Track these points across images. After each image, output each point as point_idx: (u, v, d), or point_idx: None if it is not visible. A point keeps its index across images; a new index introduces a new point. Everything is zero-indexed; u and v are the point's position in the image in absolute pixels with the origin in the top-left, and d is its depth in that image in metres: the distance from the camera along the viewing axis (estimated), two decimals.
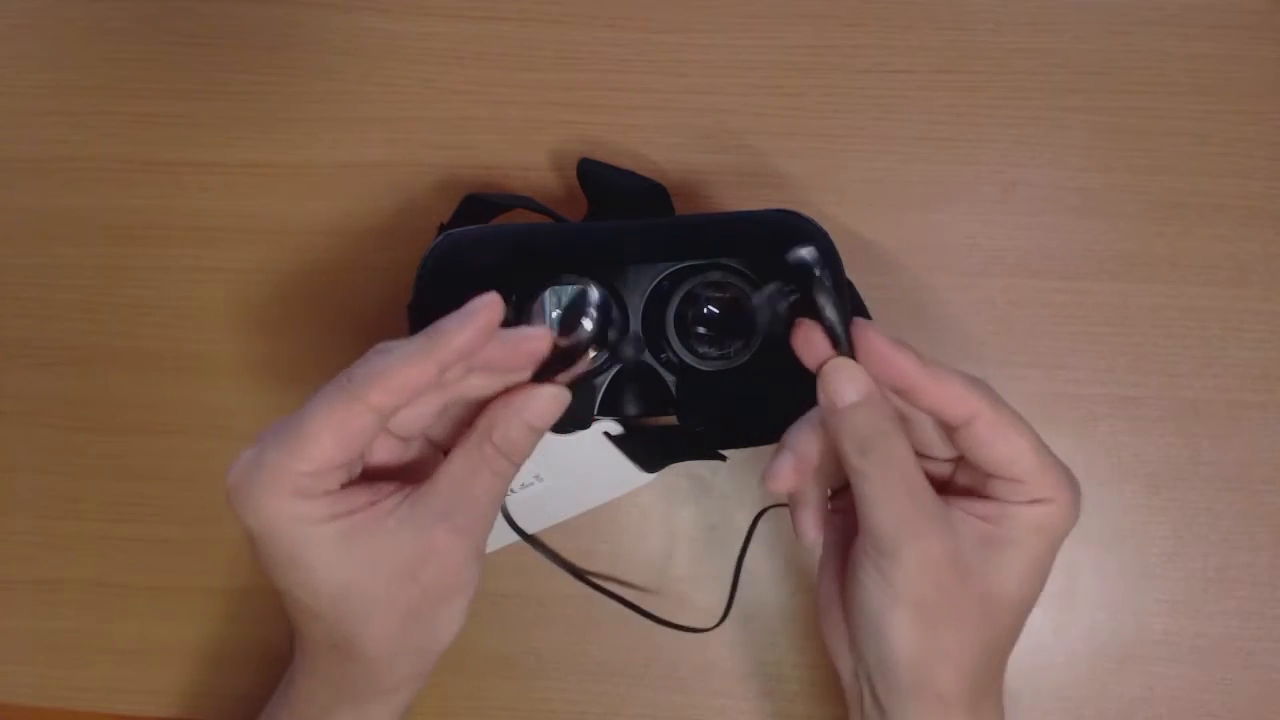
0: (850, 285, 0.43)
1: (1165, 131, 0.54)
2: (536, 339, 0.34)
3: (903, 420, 0.35)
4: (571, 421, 0.44)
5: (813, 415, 0.37)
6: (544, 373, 0.35)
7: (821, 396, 0.34)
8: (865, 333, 0.33)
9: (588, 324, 0.35)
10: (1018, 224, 0.53)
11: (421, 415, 0.37)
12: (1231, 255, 0.53)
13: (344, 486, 0.35)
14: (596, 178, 0.50)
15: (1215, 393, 0.52)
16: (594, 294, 0.35)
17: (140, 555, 0.53)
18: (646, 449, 0.50)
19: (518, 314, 0.44)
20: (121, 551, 0.53)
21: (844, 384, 0.33)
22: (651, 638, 0.52)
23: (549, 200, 0.52)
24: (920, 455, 0.36)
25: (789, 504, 0.40)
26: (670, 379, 0.44)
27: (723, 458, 0.50)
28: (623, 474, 0.50)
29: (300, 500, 0.33)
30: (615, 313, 0.43)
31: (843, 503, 0.40)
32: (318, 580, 0.34)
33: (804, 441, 0.37)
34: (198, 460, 0.53)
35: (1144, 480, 0.52)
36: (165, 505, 0.53)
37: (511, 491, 0.50)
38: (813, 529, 0.39)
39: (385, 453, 0.37)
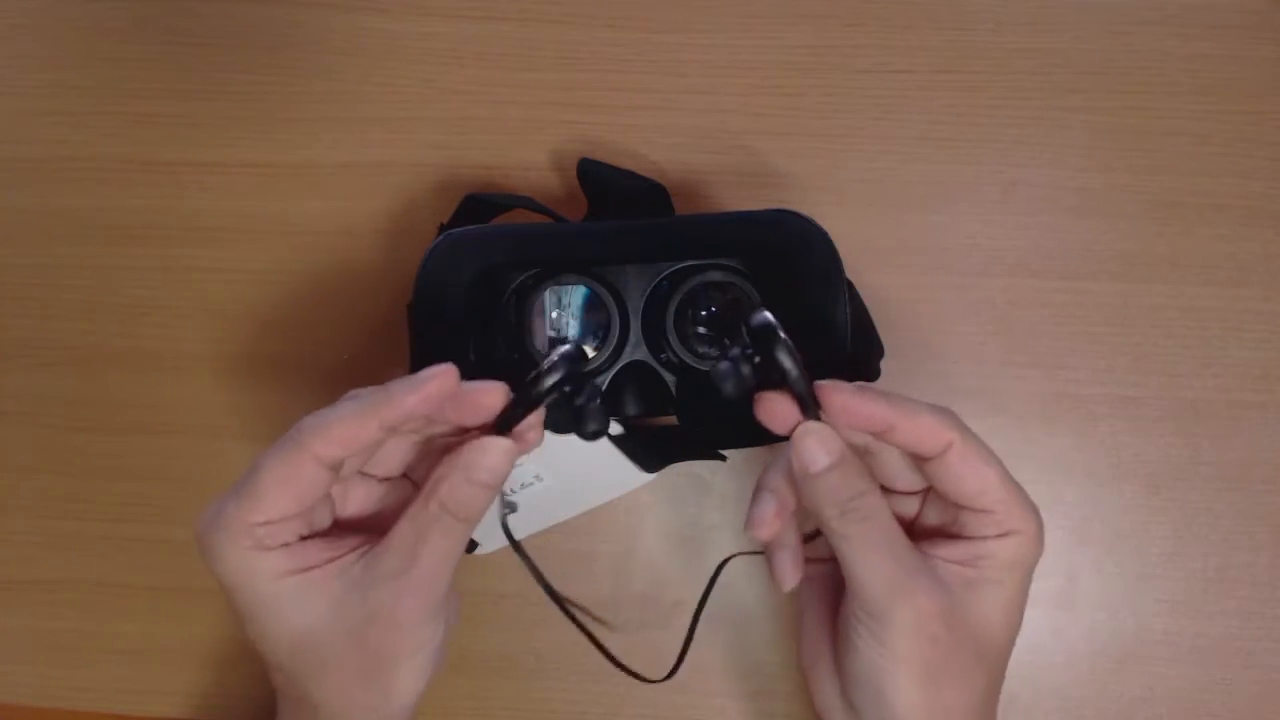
0: (850, 285, 0.43)
1: (1165, 131, 0.54)
2: (489, 393, 0.34)
3: (869, 455, 0.36)
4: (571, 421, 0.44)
5: (786, 458, 0.36)
6: (505, 419, 0.35)
7: (795, 463, 0.34)
8: (829, 391, 0.34)
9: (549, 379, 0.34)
10: (1018, 224, 0.53)
11: (396, 457, 0.37)
12: (1231, 255, 0.53)
13: (305, 539, 0.35)
14: (596, 178, 0.50)
15: (1215, 393, 0.52)
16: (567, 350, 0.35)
17: (140, 555, 0.53)
18: (646, 449, 0.50)
19: (518, 314, 0.44)
20: (121, 551, 0.53)
21: (815, 449, 0.34)
22: (651, 638, 0.52)
23: (549, 200, 0.52)
24: (888, 490, 0.37)
25: (765, 549, 0.39)
26: (670, 379, 0.44)
27: (723, 458, 0.50)
28: (623, 474, 0.50)
29: (257, 553, 0.33)
30: (615, 313, 0.43)
31: (818, 549, 0.40)
32: (274, 633, 0.34)
33: (783, 484, 0.37)
34: (198, 460, 0.53)
35: (1144, 480, 0.52)
36: (165, 505, 0.53)
37: (512, 491, 0.50)
38: (791, 574, 0.38)
39: (362, 499, 0.37)
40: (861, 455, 0.36)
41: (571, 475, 0.50)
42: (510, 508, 0.50)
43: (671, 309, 0.43)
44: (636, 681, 0.52)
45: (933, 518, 0.37)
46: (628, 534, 0.52)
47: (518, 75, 0.55)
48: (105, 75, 0.55)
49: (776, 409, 0.34)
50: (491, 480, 0.34)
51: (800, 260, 0.42)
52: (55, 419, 0.54)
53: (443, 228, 0.49)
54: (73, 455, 0.54)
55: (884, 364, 0.48)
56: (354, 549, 0.35)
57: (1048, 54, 0.54)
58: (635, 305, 0.43)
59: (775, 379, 0.34)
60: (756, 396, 0.35)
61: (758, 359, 0.34)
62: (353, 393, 0.35)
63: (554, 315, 0.45)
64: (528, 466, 0.49)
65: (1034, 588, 0.51)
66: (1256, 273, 0.53)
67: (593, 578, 0.52)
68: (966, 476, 0.34)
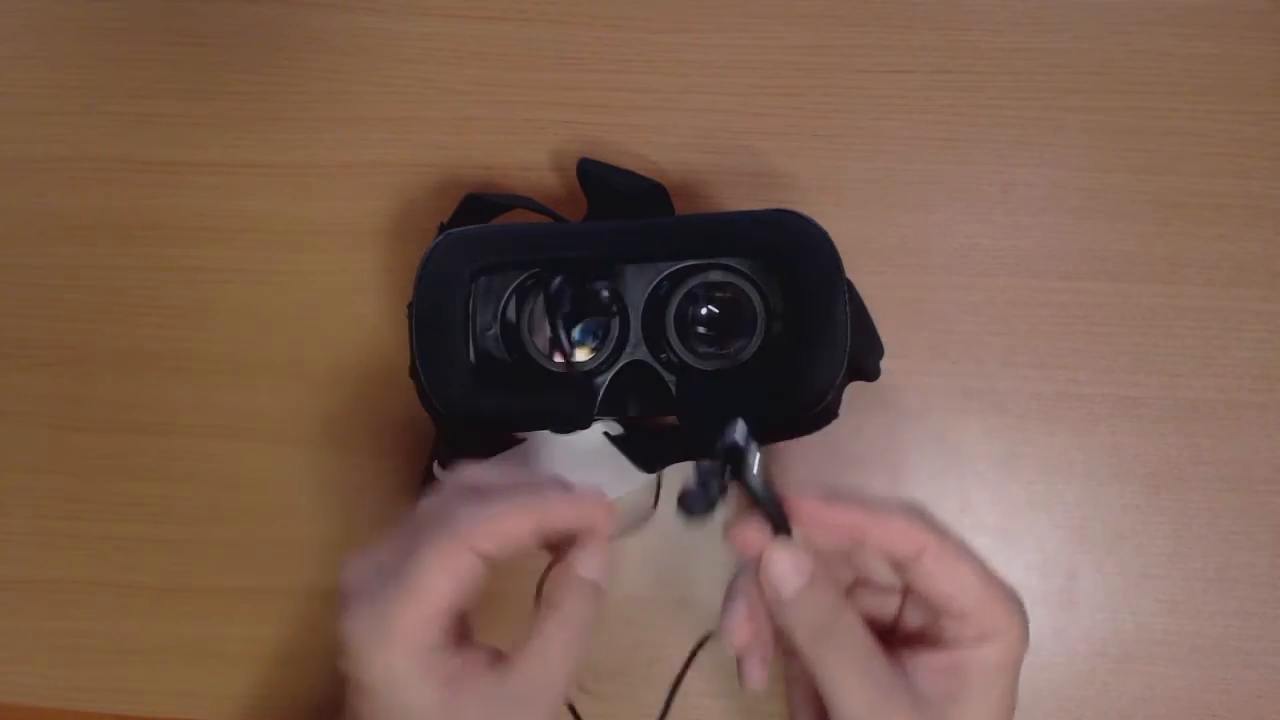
0: (850, 285, 0.43)
1: (1165, 131, 0.54)
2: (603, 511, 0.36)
3: (846, 556, 0.35)
4: (570, 421, 0.44)
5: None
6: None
7: (764, 585, 0.34)
8: (799, 504, 0.34)
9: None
10: (1017, 224, 0.53)
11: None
12: (1231, 255, 0.53)
13: (448, 642, 0.34)
14: (596, 178, 0.50)
15: (1215, 393, 0.52)
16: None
17: (140, 555, 0.53)
18: (646, 449, 0.50)
19: (518, 313, 0.44)
20: (121, 551, 0.53)
21: (786, 573, 0.33)
22: (652, 638, 0.52)
23: (549, 200, 0.52)
24: (868, 586, 0.36)
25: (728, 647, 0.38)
26: (670, 379, 0.44)
27: None
28: (623, 474, 0.50)
29: (412, 657, 0.32)
30: (615, 313, 0.43)
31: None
32: None
33: (753, 589, 0.36)
34: (198, 460, 0.53)
35: (1144, 480, 0.52)
36: (165, 505, 0.53)
37: None
38: (759, 675, 0.37)
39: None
40: (839, 555, 0.36)
41: (571, 475, 0.50)
42: None
43: (671, 309, 0.43)
44: (636, 681, 0.52)
45: (914, 618, 0.36)
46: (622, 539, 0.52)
47: (518, 75, 0.55)
48: (105, 75, 0.55)
49: (748, 537, 0.34)
50: (604, 582, 0.35)
51: (800, 260, 0.42)
52: (55, 419, 0.54)
53: (443, 227, 0.49)
54: (73, 455, 0.54)
55: (884, 364, 0.48)
56: (483, 664, 0.34)
57: (1048, 54, 0.54)
58: (635, 305, 0.44)
59: (748, 497, 0.34)
60: (727, 533, 0.35)
61: (727, 476, 0.34)
62: (467, 476, 0.35)
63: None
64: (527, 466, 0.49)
65: (1034, 588, 0.52)
66: (1256, 273, 0.53)
67: None
68: (941, 578, 0.34)
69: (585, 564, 0.35)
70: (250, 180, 0.55)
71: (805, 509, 0.34)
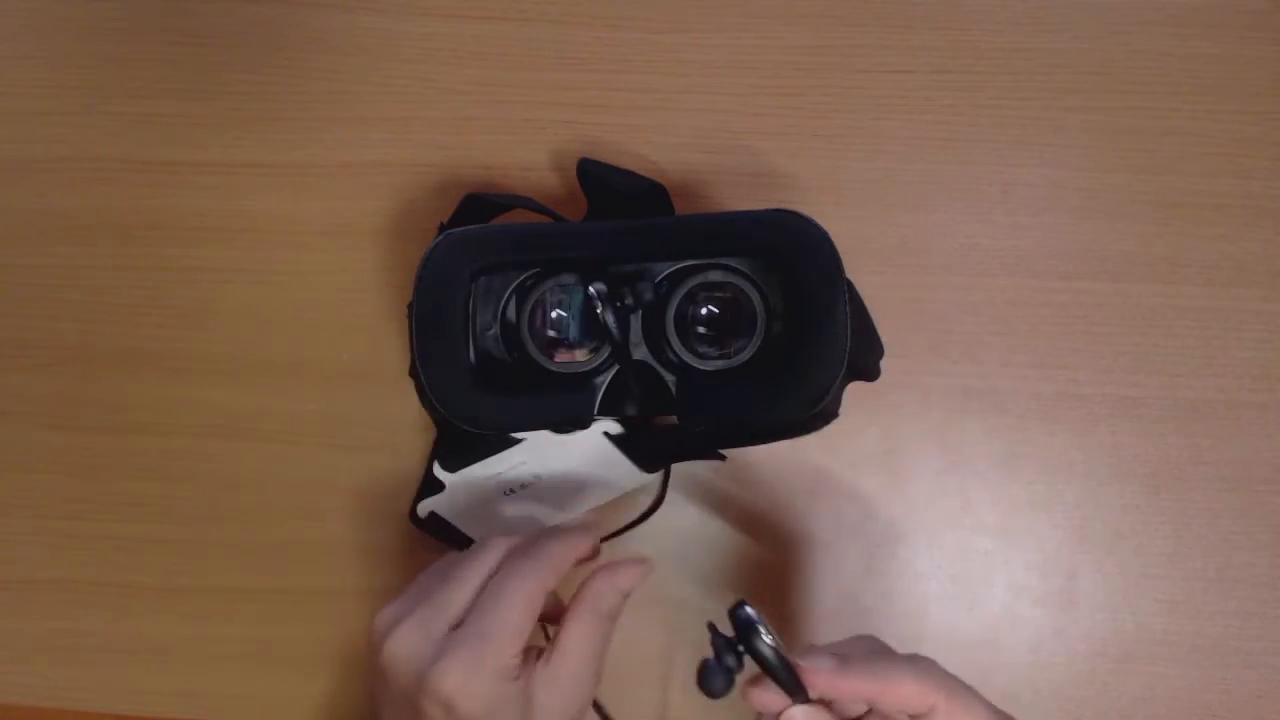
0: (850, 285, 0.43)
1: (1165, 131, 0.54)
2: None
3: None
4: (570, 421, 0.44)
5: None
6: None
7: None
8: (811, 675, 0.36)
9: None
10: (1017, 224, 0.53)
11: None
12: (1231, 255, 0.53)
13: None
14: (596, 178, 0.50)
15: (1215, 393, 0.52)
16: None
17: (140, 555, 0.53)
18: (646, 449, 0.50)
19: (517, 313, 0.44)
20: (121, 551, 0.53)
21: None
22: (654, 638, 0.52)
23: (549, 200, 0.52)
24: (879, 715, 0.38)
25: None
26: (670, 379, 0.44)
27: (723, 458, 0.50)
28: (623, 474, 0.50)
29: (509, 681, 0.37)
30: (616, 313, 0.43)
31: None
32: None
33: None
34: (198, 460, 0.53)
35: (1144, 480, 0.52)
36: (165, 505, 0.53)
37: (512, 491, 0.50)
38: None
39: None
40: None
41: (571, 475, 0.50)
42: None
43: (672, 309, 0.43)
44: (636, 681, 0.52)
45: None
46: (629, 534, 0.52)
47: (518, 75, 0.55)
48: (105, 75, 0.55)
49: (766, 700, 0.37)
50: (631, 590, 0.41)
51: (800, 260, 0.42)
52: (55, 419, 0.54)
53: (443, 227, 0.49)
54: (73, 455, 0.54)
55: (884, 364, 0.48)
56: (533, 658, 0.39)
57: (1048, 54, 0.54)
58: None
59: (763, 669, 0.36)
60: (745, 690, 0.37)
61: (740, 648, 0.36)
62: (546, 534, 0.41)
63: (554, 315, 0.45)
64: (527, 467, 0.49)
65: (1034, 587, 0.52)
66: (1256, 273, 0.53)
67: None
68: None
69: (627, 576, 0.41)
70: (250, 180, 0.55)
71: (819, 681, 0.36)
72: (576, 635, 0.39)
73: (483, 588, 0.39)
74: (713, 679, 0.36)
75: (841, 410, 0.47)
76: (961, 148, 0.54)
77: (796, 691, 0.36)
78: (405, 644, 0.37)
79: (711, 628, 0.37)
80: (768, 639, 0.36)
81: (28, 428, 0.54)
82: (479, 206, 0.49)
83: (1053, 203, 0.53)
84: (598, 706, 0.46)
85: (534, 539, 0.41)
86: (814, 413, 0.43)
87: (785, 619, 0.52)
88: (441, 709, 0.36)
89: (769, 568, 0.52)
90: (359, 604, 0.52)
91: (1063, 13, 0.54)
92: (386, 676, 0.38)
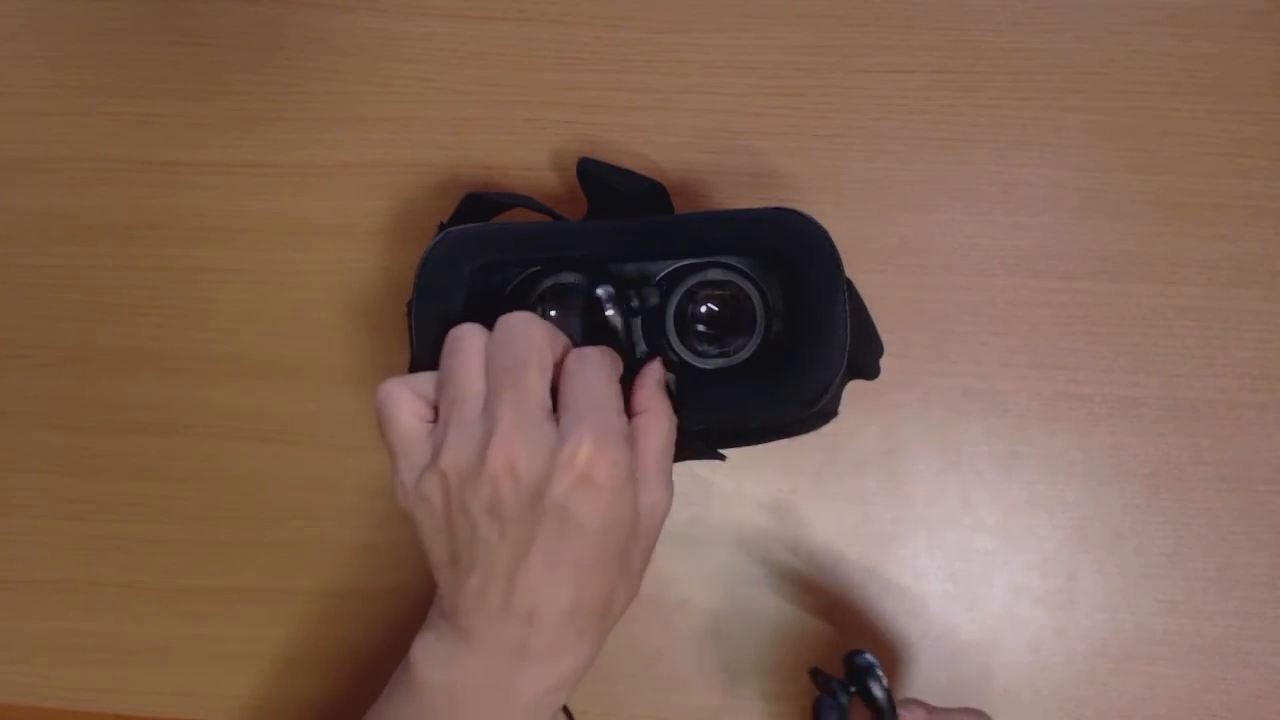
0: (850, 284, 0.43)
1: (1165, 131, 0.54)
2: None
3: None
4: None
5: None
6: None
7: None
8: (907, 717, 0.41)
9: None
10: (1017, 224, 0.53)
11: None
12: (1231, 255, 0.53)
13: None
14: (596, 177, 0.50)
15: (1215, 393, 0.52)
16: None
17: (140, 555, 0.53)
18: None
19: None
20: (121, 551, 0.53)
21: None
22: (652, 638, 0.52)
23: (549, 200, 0.52)
24: None
25: None
26: (670, 378, 0.44)
27: (722, 457, 0.50)
28: None
29: (628, 446, 0.37)
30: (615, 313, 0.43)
31: None
32: None
33: None
34: (198, 460, 0.53)
35: (1144, 480, 0.52)
36: (165, 505, 0.53)
37: None
38: None
39: None
40: None
41: None
42: None
43: (671, 308, 0.43)
44: (636, 681, 0.52)
45: None
46: None
47: (518, 75, 0.55)
48: (105, 75, 0.55)
49: None
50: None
51: (800, 259, 0.42)
52: (55, 419, 0.54)
53: (443, 227, 0.49)
54: (73, 455, 0.54)
55: (884, 364, 0.48)
56: None
57: (1048, 54, 0.54)
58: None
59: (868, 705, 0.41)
60: None
61: (852, 690, 0.41)
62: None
63: (553, 314, 0.45)
64: None
65: (1034, 587, 0.52)
66: (1256, 273, 0.53)
67: None
68: None
69: (658, 371, 0.41)
70: (250, 180, 0.55)
71: None
72: (649, 438, 0.39)
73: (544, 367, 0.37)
74: (828, 714, 0.41)
75: (841, 410, 0.47)
76: (961, 148, 0.54)
77: None
78: (514, 448, 0.35)
79: (815, 671, 0.42)
80: (883, 682, 0.40)
81: (27, 428, 0.54)
82: (479, 206, 0.49)
83: (1053, 203, 0.53)
84: (565, 711, 0.46)
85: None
86: (814, 412, 0.43)
87: (785, 618, 0.52)
88: (579, 488, 0.35)
89: (768, 567, 0.52)
90: (359, 604, 0.52)
91: (1063, 13, 0.54)
92: (496, 493, 0.36)
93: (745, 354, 0.43)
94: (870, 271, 0.52)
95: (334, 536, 0.53)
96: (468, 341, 0.38)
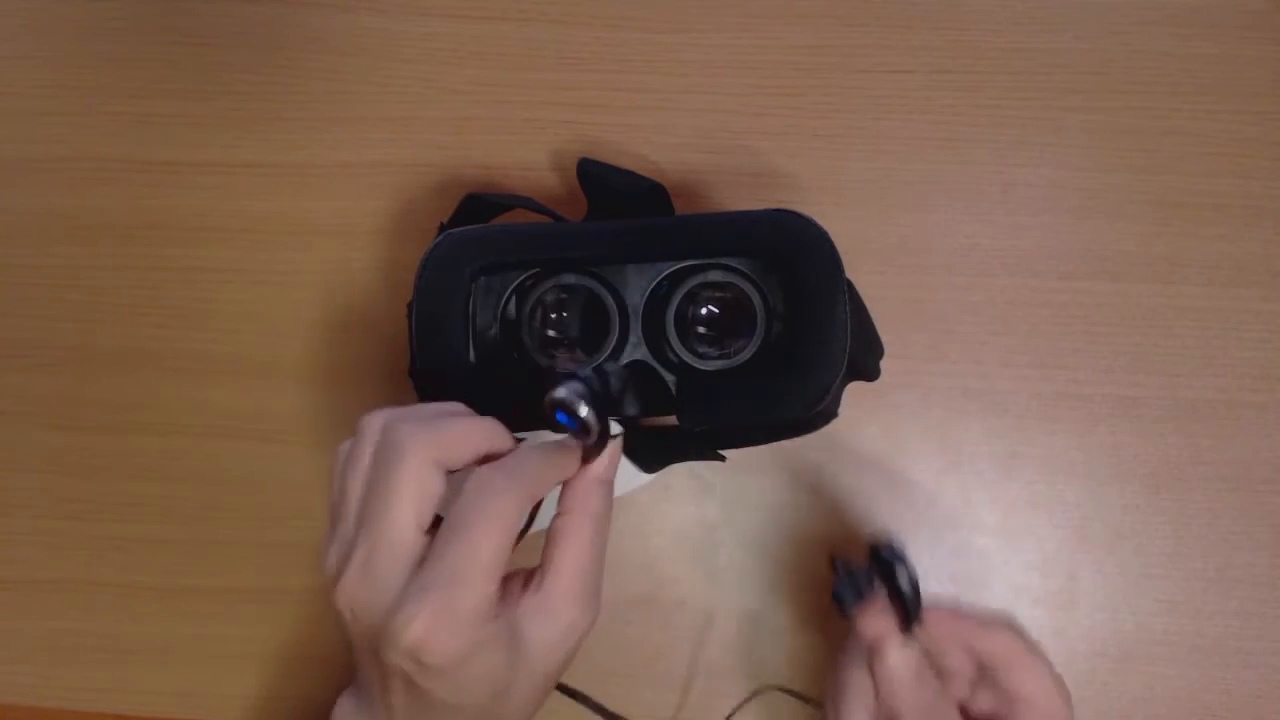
0: (850, 285, 0.43)
1: (1165, 131, 0.54)
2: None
3: (937, 655, 0.41)
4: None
5: (858, 652, 0.41)
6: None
7: (881, 676, 0.39)
8: (932, 612, 0.40)
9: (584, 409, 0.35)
10: (1017, 224, 0.53)
11: None
12: (1231, 255, 0.53)
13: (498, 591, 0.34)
14: (596, 178, 0.50)
15: (1215, 393, 0.52)
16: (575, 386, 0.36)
17: (140, 555, 0.53)
18: (646, 449, 0.50)
19: (517, 312, 0.44)
20: (121, 551, 0.53)
21: (899, 666, 0.39)
22: (652, 638, 0.52)
23: (549, 200, 0.52)
24: (948, 676, 0.42)
25: None
26: (670, 379, 0.44)
27: (723, 458, 0.50)
28: (623, 474, 0.50)
29: (484, 623, 0.33)
30: (615, 313, 0.43)
31: None
32: (496, 681, 0.34)
33: (864, 681, 0.41)
34: (198, 460, 0.53)
35: (1144, 480, 0.52)
36: (165, 505, 0.53)
37: None
38: None
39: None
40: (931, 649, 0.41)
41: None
42: None
43: (672, 309, 0.43)
44: (636, 681, 0.52)
45: (984, 702, 0.41)
46: (628, 534, 0.52)
47: (518, 75, 0.55)
48: (105, 75, 0.55)
49: (880, 626, 0.39)
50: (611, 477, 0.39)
51: (800, 260, 0.42)
52: (55, 419, 0.54)
53: (443, 227, 0.49)
54: (73, 455, 0.54)
55: (884, 364, 0.48)
56: (521, 586, 0.36)
57: (1048, 54, 0.54)
58: (635, 305, 0.43)
59: (894, 596, 0.39)
60: (860, 614, 0.40)
61: (876, 579, 0.39)
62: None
63: (554, 315, 0.45)
64: None
65: (1034, 587, 0.52)
66: (1256, 273, 0.53)
67: None
68: (1026, 682, 0.40)
69: (606, 464, 0.38)
70: (250, 180, 0.55)
71: (936, 618, 0.40)
72: (570, 547, 0.36)
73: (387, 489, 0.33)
74: (846, 595, 0.39)
75: (841, 410, 0.47)
76: (961, 148, 0.54)
77: (910, 624, 0.39)
78: (356, 594, 0.33)
79: (834, 558, 0.40)
80: (912, 573, 0.38)
81: (27, 428, 0.54)
82: (479, 206, 0.49)
83: (1053, 203, 0.53)
84: (602, 709, 0.46)
85: (513, 453, 0.36)
86: (814, 413, 0.43)
87: (785, 618, 0.52)
88: (410, 662, 0.32)
89: (768, 568, 0.52)
90: None
91: (1063, 13, 0.54)
92: (344, 623, 0.34)
93: (746, 355, 0.43)
94: (870, 271, 0.52)
95: None
96: (364, 443, 0.36)
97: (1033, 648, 0.40)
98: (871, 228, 0.53)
